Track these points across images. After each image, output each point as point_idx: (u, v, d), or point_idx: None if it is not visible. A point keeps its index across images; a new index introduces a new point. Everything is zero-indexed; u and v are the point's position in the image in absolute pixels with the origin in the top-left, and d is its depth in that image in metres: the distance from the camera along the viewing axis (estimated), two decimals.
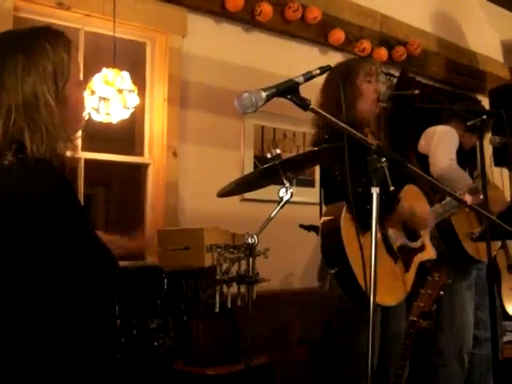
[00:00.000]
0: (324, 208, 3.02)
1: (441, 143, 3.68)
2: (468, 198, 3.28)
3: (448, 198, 3.20)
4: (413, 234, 3.01)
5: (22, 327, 1.45)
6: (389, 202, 2.79)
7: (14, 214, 1.45)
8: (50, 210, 1.47)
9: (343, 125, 1.83)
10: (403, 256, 2.92)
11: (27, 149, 1.52)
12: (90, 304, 1.52)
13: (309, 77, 1.75)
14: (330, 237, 2.82)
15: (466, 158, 3.87)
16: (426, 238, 3.08)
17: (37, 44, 1.60)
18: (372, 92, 3.02)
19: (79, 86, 1.72)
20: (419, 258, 3.00)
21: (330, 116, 1.82)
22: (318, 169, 4.49)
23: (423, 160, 3.70)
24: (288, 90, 1.69)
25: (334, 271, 2.75)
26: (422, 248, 3.02)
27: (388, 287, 2.77)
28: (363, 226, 2.49)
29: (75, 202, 1.53)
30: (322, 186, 3.11)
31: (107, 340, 1.59)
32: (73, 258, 1.49)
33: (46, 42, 1.61)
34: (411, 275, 2.94)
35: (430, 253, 3.08)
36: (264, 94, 1.64)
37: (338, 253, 2.72)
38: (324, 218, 2.91)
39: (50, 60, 1.59)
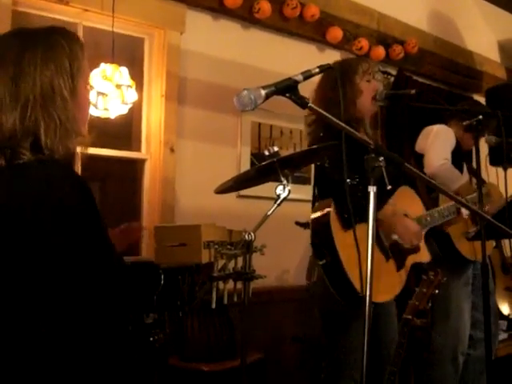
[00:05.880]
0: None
1: (436, 142, 3.69)
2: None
3: (446, 204, 3.21)
4: None
5: (37, 324, 1.46)
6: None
7: (35, 214, 1.46)
8: (71, 212, 1.48)
9: (341, 123, 1.83)
10: (395, 254, 2.92)
11: (42, 142, 1.53)
12: (103, 306, 1.53)
13: (308, 75, 1.76)
14: (320, 230, 2.84)
15: (464, 156, 3.88)
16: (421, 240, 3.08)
17: (54, 40, 1.63)
18: (371, 91, 3.03)
19: (88, 85, 1.75)
20: (413, 258, 2.98)
21: (327, 114, 1.82)
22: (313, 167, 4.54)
23: (420, 159, 3.70)
24: (287, 88, 1.70)
25: (322, 263, 2.77)
26: (416, 249, 3.01)
27: (376, 284, 2.78)
28: (349, 222, 2.53)
29: (93, 204, 1.54)
30: (315, 183, 3.11)
31: (120, 340, 1.60)
32: (89, 260, 1.50)
33: (62, 39, 1.65)
34: (403, 275, 2.93)
35: (424, 256, 3.06)
36: (263, 92, 1.64)
37: (327, 246, 2.75)
38: (314, 213, 2.92)
39: (67, 56, 1.62)
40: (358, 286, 2.52)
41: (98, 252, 1.52)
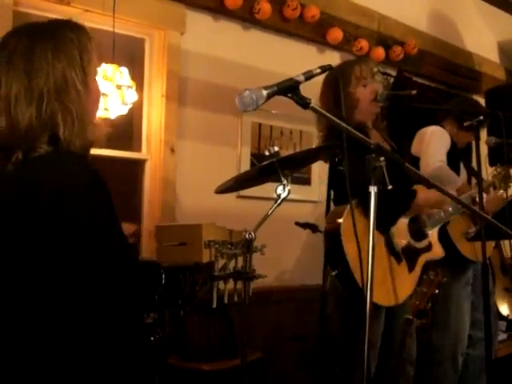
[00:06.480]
0: (332, 207, 3.04)
1: (431, 145, 3.68)
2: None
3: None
4: (418, 234, 3.02)
5: (48, 317, 1.47)
6: (406, 199, 2.85)
7: (50, 205, 1.46)
8: (85, 203, 1.49)
9: (343, 124, 1.84)
10: (407, 257, 2.93)
11: (60, 134, 1.54)
12: (118, 301, 1.54)
13: (309, 76, 1.77)
14: (331, 241, 2.85)
15: (461, 155, 3.89)
16: (433, 237, 3.08)
17: (62, 33, 1.63)
18: (368, 95, 3.03)
19: (96, 77, 1.74)
20: (425, 257, 3.00)
21: (329, 114, 1.83)
22: (314, 167, 4.55)
23: (415, 162, 3.71)
24: (289, 88, 1.71)
25: (334, 273, 2.78)
26: (428, 248, 3.02)
27: (388, 288, 2.79)
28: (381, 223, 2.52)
29: (107, 196, 1.55)
30: (331, 187, 3.10)
31: (133, 337, 1.61)
32: (103, 253, 1.50)
33: (70, 31, 1.64)
34: (415, 276, 2.94)
35: (438, 252, 3.08)
36: (265, 92, 1.65)
37: (338, 256, 2.74)
38: (327, 222, 2.94)
39: (77, 48, 1.62)
40: None
41: (110, 245, 1.52)
